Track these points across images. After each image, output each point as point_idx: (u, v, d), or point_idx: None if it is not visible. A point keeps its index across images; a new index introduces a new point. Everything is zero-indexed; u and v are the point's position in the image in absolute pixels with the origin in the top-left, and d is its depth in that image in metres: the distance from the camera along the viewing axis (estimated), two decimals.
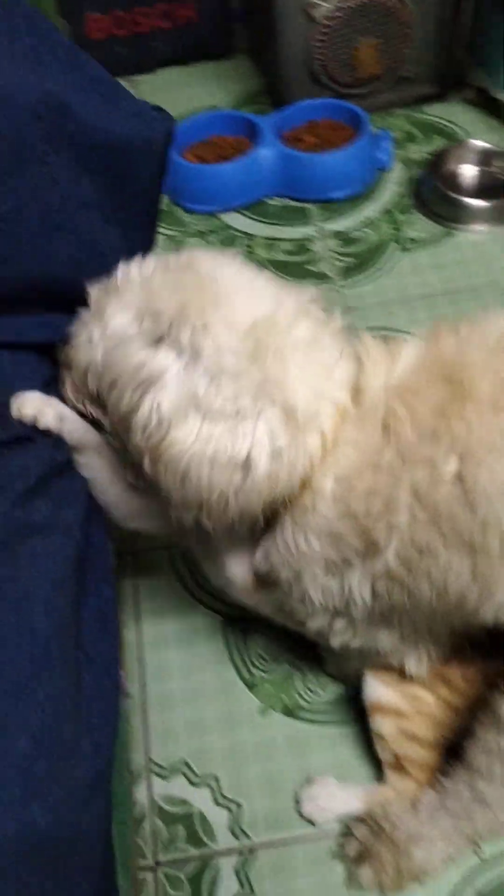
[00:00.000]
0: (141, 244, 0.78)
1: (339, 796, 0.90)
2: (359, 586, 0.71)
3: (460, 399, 0.64)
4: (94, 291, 0.71)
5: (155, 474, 0.67)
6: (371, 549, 0.68)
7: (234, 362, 0.64)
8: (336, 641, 0.82)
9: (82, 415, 0.76)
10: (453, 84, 1.74)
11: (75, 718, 0.59)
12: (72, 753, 0.57)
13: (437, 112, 1.72)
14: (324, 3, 1.53)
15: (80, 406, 0.75)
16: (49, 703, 0.56)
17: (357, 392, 0.69)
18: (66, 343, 0.74)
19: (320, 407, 0.67)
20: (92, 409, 0.74)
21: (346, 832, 0.89)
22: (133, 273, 0.70)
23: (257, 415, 0.64)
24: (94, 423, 0.77)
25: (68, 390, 0.75)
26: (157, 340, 0.65)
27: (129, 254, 0.78)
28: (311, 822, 0.90)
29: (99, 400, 0.72)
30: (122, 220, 0.75)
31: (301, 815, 0.90)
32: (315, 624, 0.80)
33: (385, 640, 0.79)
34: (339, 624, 0.79)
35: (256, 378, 0.64)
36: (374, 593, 0.71)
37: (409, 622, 0.76)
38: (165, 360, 0.64)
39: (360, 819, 0.88)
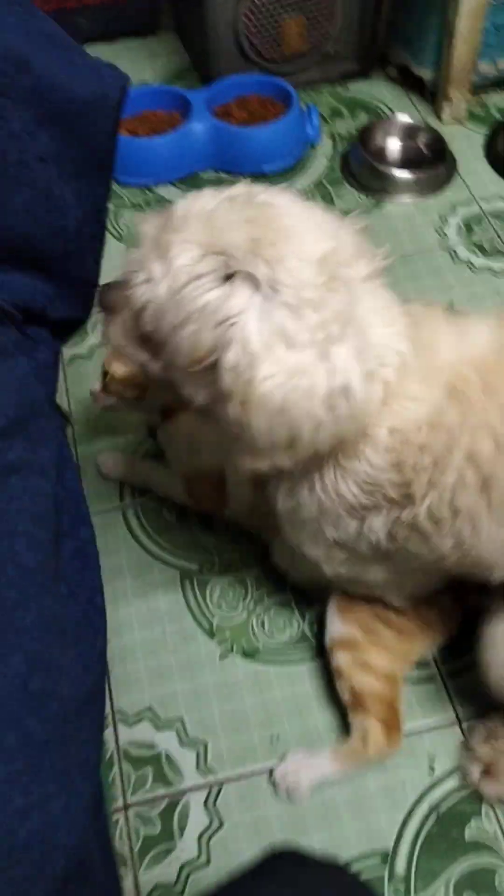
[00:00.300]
0: (95, 200, 0.81)
1: (310, 765, 0.93)
2: (377, 529, 0.74)
3: None
4: (149, 227, 0.67)
5: (244, 415, 0.64)
6: (405, 500, 0.70)
7: (313, 293, 0.62)
8: (328, 570, 0.85)
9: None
10: (376, 62, 1.80)
11: (63, 642, 0.62)
12: (63, 673, 0.59)
13: (361, 89, 1.78)
14: None
15: (126, 349, 0.73)
16: (37, 628, 0.59)
17: (425, 349, 0.69)
18: (112, 285, 0.72)
19: (386, 352, 0.67)
20: (140, 354, 0.72)
21: (467, 755, 0.93)
22: (194, 207, 0.66)
23: (345, 341, 0.63)
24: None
25: (116, 333, 0.73)
26: (230, 276, 0.63)
27: (84, 209, 0.81)
28: (289, 798, 0.92)
29: (152, 343, 0.69)
30: (77, 176, 0.77)
31: (277, 793, 0.93)
32: (315, 552, 0.83)
33: (376, 574, 0.83)
34: (339, 555, 0.82)
35: (337, 308, 0.63)
36: (390, 537, 0.75)
37: (409, 566, 0.80)
38: (243, 296, 0.62)
39: (478, 738, 0.93)
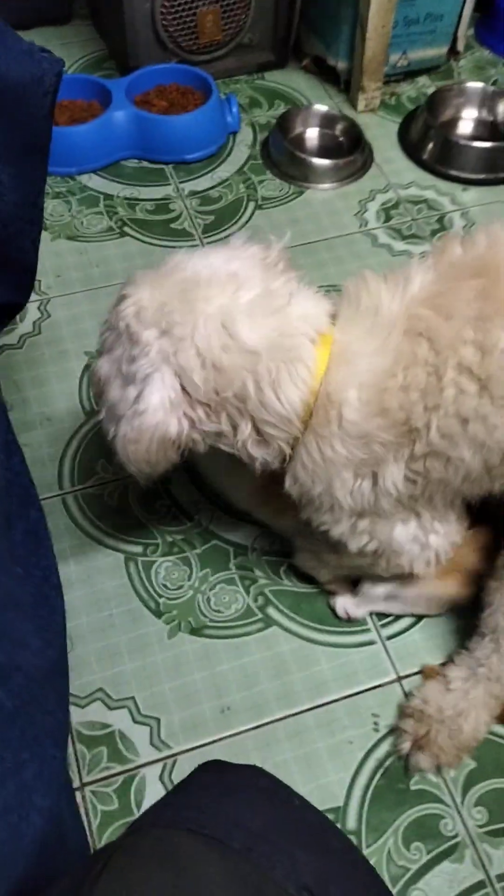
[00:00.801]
0: (32, 184, 0.81)
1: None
2: (394, 476, 0.80)
3: (500, 282, 0.73)
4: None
5: None
6: (410, 434, 0.77)
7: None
8: (354, 544, 0.89)
9: None
10: (292, 53, 1.84)
11: (22, 618, 0.63)
12: (25, 647, 0.61)
13: (278, 79, 1.82)
14: None
15: None
16: None
17: (369, 311, 0.78)
18: None
19: (288, 343, 0.76)
20: None
21: (396, 729, 0.98)
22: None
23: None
24: None
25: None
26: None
27: (21, 193, 0.81)
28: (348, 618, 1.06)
29: None
30: (14, 160, 0.77)
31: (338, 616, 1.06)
32: (339, 529, 0.88)
33: (401, 535, 0.88)
34: (363, 524, 0.87)
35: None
36: (409, 479, 0.81)
37: (431, 505, 0.86)
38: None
39: (405, 715, 0.97)
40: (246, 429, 0.77)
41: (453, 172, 1.61)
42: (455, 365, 0.74)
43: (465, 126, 1.71)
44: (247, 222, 1.53)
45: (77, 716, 0.99)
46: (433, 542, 0.91)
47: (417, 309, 0.76)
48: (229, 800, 0.55)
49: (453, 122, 1.70)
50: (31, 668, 0.59)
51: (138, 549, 1.12)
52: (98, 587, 1.09)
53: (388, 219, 1.54)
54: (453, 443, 0.77)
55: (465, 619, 1.05)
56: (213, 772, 0.63)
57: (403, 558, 0.92)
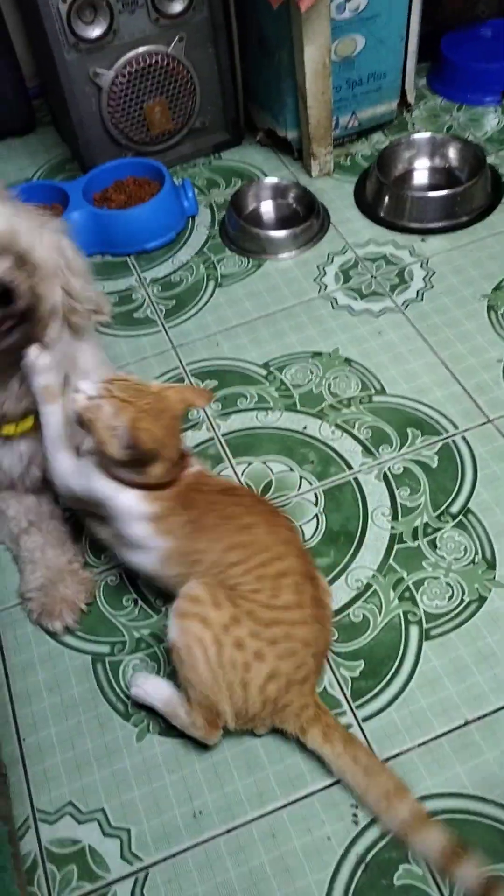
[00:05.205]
0: None
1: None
2: None
3: None
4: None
5: None
6: None
7: None
8: None
9: None
10: (245, 129, 1.87)
11: None
12: None
13: (234, 156, 1.85)
14: (106, 72, 1.63)
15: None
16: None
17: None
18: None
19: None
20: None
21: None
22: None
23: None
24: None
25: None
26: None
27: None
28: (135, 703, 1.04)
29: None
30: None
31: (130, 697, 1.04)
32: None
33: None
34: None
35: None
36: None
37: None
38: None
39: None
40: None
41: (412, 224, 1.60)
42: None
43: (420, 176, 1.70)
44: (207, 302, 1.54)
45: (46, 833, 0.96)
46: None
47: None
48: None
49: (407, 174, 1.70)
50: None
51: (105, 648, 1.10)
52: (66, 693, 1.07)
53: (346, 279, 1.53)
54: None
55: (444, 694, 1.00)
56: None
57: None
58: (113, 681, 1.07)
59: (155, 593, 1.14)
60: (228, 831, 0.94)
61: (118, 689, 1.06)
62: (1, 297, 0.98)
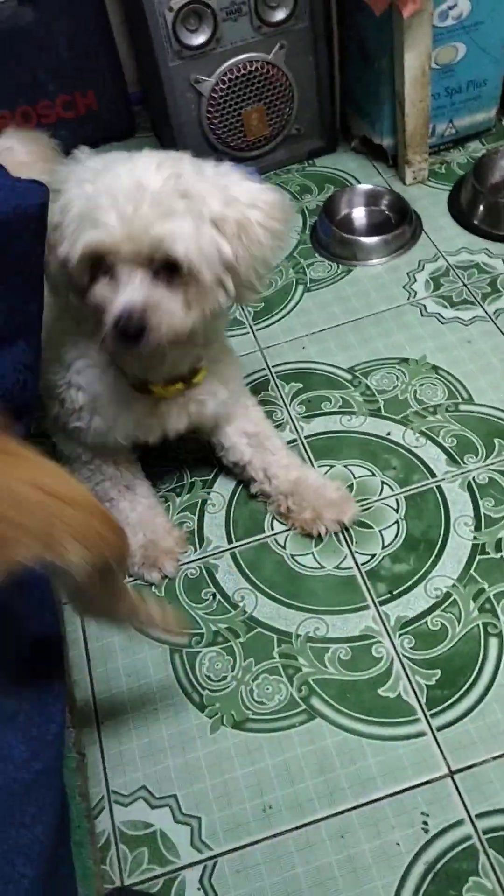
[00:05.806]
0: (25, 316, 0.85)
1: None
2: None
3: None
4: None
5: None
6: None
7: None
8: None
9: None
10: (340, 135, 1.88)
11: (10, 728, 0.65)
12: (6, 760, 0.62)
13: (327, 163, 1.86)
14: (207, 79, 1.67)
15: None
16: None
17: None
18: None
19: None
20: None
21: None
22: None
23: None
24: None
25: None
26: None
27: (15, 327, 0.85)
28: None
29: None
30: (3, 295, 0.81)
31: None
32: None
33: None
34: None
35: None
36: None
37: None
38: None
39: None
40: None
41: None
42: None
43: None
44: (295, 305, 1.55)
45: (120, 814, 0.99)
46: None
47: None
48: None
49: (503, 183, 1.68)
50: (9, 782, 0.60)
51: (184, 639, 1.13)
52: (143, 682, 1.09)
53: (437, 287, 1.52)
54: None
55: None
56: None
57: None
58: (189, 672, 1.09)
59: (232, 589, 1.16)
60: (297, 828, 0.95)
61: (194, 681, 1.08)
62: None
